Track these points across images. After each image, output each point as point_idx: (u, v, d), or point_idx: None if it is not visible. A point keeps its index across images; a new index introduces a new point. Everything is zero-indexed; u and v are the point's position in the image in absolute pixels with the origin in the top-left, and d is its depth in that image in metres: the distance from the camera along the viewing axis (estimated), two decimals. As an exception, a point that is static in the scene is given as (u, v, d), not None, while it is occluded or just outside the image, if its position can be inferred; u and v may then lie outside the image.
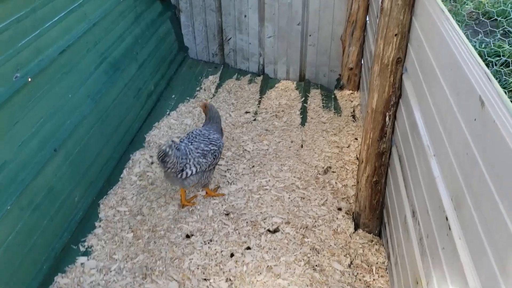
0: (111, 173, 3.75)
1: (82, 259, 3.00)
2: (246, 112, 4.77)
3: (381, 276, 2.91)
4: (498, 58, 5.38)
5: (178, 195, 3.55)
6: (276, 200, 3.54)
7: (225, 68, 5.57)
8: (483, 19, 5.99)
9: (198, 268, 2.94)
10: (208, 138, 3.40)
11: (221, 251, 3.07)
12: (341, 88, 5.22)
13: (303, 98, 5.01)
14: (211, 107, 3.59)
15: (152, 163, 3.91)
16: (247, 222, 3.32)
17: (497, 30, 5.76)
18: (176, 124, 4.51)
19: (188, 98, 4.95)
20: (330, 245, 3.14)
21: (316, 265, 2.98)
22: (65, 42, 3.39)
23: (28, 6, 3.01)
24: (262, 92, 5.15)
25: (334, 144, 4.26)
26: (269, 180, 3.75)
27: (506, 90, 4.98)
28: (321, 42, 5.12)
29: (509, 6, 6.01)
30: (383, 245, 3.15)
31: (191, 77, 5.35)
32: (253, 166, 3.92)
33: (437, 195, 1.86)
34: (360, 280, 2.89)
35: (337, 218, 3.38)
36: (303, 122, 4.60)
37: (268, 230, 3.25)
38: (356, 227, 3.28)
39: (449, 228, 1.66)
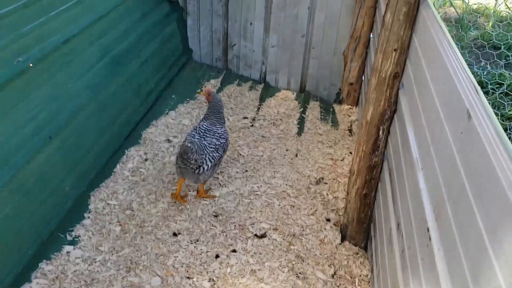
0: (104, 166, 3.76)
1: (68, 248, 3.00)
2: (244, 118, 4.80)
3: (364, 288, 2.91)
4: (498, 86, 5.43)
5: (168, 192, 3.56)
6: (266, 206, 3.55)
7: (227, 74, 5.62)
8: (487, 47, 6.06)
9: (182, 266, 2.94)
10: (217, 133, 3.49)
11: (207, 252, 3.08)
12: (340, 102, 5.26)
13: (302, 109, 5.05)
14: (214, 95, 3.64)
15: (146, 160, 3.93)
16: (235, 226, 3.33)
17: (500, 60, 5.83)
18: (174, 123, 4.53)
19: (188, 99, 4.98)
20: (316, 254, 3.14)
21: (299, 273, 2.98)
22: (69, 32, 3.43)
23: (36, -7, 3.06)
24: (262, 99, 5.19)
25: (329, 156, 4.29)
26: (261, 186, 3.77)
27: (504, 118, 5.03)
28: (324, 55, 5.17)
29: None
30: (367, 259, 3.16)
31: (192, 79, 5.39)
32: (246, 171, 3.94)
33: (421, 206, 1.88)
34: (342, 290, 2.89)
35: (325, 229, 3.39)
36: (300, 132, 4.63)
37: (255, 235, 3.26)
38: (343, 239, 3.29)
39: (429, 239, 1.68)
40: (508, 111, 5.06)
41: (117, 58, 4.11)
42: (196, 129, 3.48)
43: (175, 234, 3.20)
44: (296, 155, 4.24)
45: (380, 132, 2.90)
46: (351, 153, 4.34)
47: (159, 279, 2.84)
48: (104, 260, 2.94)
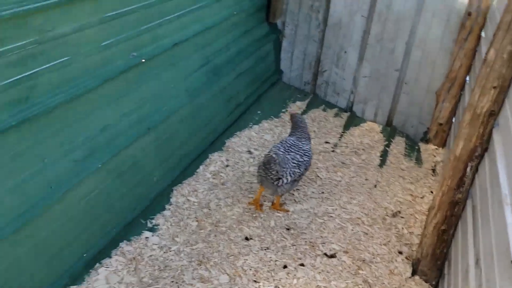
0: (189, 165, 3.96)
1: (147, 234, 3.18)
2: (326, 142, 4.83)
3: (432, 328, 2.78)
4: None
5: (244, 199, 3.67)
6: (339, 229, 3.53)
7: (314, 98, 5.71)
8: None
9: (250, 269, 3.00)
10: (302, 150, 3.56)
11: (275, 260, 3.12)
12: (427, 141, 5.12)
13: (386, 142, 4.99)
14: (298, 116, 3.75)
15: (227, 166, 4.08)
16: (306, 241, 3.35)
17: None
18: (256, 137, 4.67)
19: (272, 117, 5.11)
20: (383, 283, 3.06)
21: (366, 299, 2.92)
22: (179, 37, 3.72)
23: (158, -2, 3.37)
24: (346, 127, 5.20)
25: (409, 191, 4.18)
26: (335, 209, 3.76)
27: None
28: (416, 92, 5.10)
29: None
30: (439, 298, 3.02)
31: (279, 99, 5.53)
32: (323, 192, 3.95)
33: (505, 240, 1.81)
34: (409, 325, 2.79)
35: (396, 260, 3.30)
36: (382, 164, 4.57)
37: (325, 254, 3.25)
38: (414, 273, 3.18)
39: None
40: None
41: (216, 68, 4.36)
42: (282, 142, 3.58)
43: (247, 239, 3.27)
44: (375, 186, 4.19)
45: (468, 169, 2.82)
46: (432, 192, 4.20)
47: (227, 277, 2.91)
48: (179, 251, 3.08)
